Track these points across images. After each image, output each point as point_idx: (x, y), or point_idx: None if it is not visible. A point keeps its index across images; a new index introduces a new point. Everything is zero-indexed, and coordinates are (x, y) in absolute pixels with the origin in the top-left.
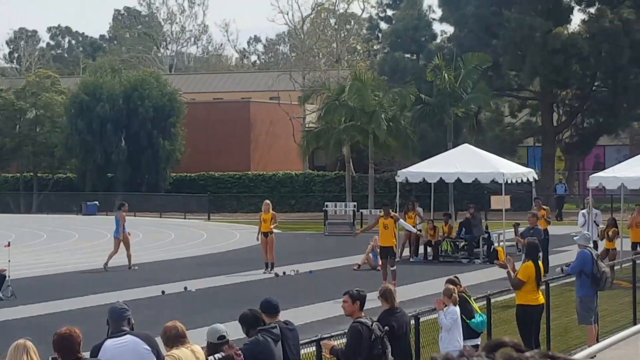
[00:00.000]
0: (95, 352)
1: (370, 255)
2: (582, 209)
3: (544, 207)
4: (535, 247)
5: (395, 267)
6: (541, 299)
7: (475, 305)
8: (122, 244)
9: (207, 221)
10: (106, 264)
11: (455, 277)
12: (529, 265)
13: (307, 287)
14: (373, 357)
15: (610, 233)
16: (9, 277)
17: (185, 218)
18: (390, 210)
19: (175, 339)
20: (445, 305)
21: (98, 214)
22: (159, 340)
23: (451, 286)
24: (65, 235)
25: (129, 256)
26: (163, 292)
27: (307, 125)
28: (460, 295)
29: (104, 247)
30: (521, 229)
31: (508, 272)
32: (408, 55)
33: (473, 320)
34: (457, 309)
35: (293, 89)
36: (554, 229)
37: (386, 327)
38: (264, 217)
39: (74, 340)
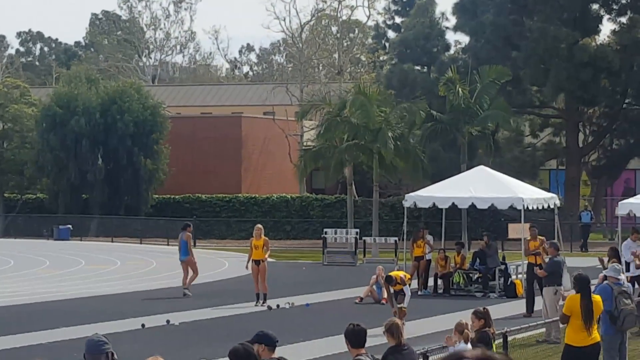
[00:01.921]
0: None
1: (374, 287)
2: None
3: (540, 237)
4: (585, 280)
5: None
6: (588, 340)
7: (495, 345)
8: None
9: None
10: (186, 288)
11: (485, 309)
12: (575, 298)
13: (304, 322)
14: None
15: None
16: None
17: (168, 244)
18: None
19: None
20: (456, 342)
21: (71, 239)
22: None
23: (464, 321)
24: (35, 261)
25: (185, 279)
26: (143, 325)
27: (304, 144)
28: (484, 333)
29: (76, 275)
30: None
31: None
32: (418, 68)
33: None
34: (469, 347)
35: (289, 103)
36: (577, 261)
37: None
38: (255, 243)
39: None
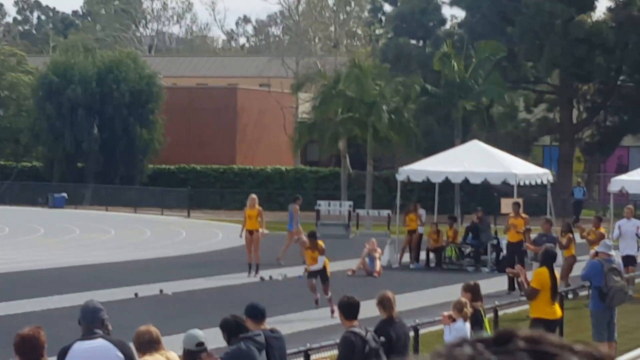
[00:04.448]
0: (62, 355)
1: (367, 260)
2: (621, 219)
3: (523, 215)
4: (552, 254)
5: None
6: (558, 312)
7: (487, 321)
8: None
9: (186, 218)
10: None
11: (476, 283)
12: (543, 272)
13: (296, 293)
14: None
15: None
16: None
17: (162, 214)
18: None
19: (149, 345)
20: (453, 321)
21: (66, 207)
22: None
23: (464, 299)
24: (30, 229)
25: (283, 251)
26: (136, 294)
27: (300, 116)
28: (476, 310)
29: (71, 243)
30: (533, 236)
31: (521, 282)
32: (414, 42)
33: None
34: (467, 325)
35: (285, 76)
36: None
37: (382, 338)
38: (249, 213)
39: (38, 342)
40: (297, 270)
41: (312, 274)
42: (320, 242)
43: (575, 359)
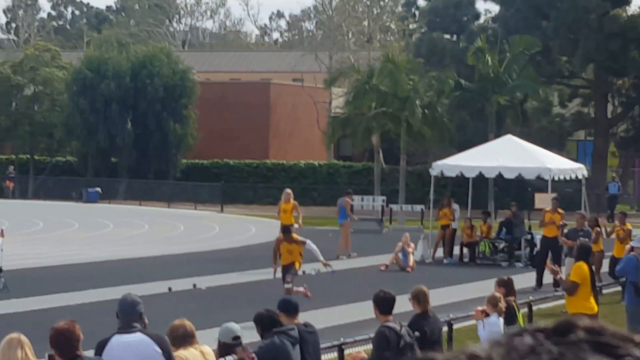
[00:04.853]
0: (100, 348)
1: (400, 255)
2: None
3: (560, 210)
4: (587, 249)
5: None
6: (595, 307)
7: (520, 316)
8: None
9: (219, 213)
10: (347, 254)
11: (509, 278)
12: (582, 266)
13: (329, 288)
14: None
15: None
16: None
17: (195, 209)
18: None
19: (183, 339)
20: (487, 315)
21: (100, 202)
22: None
23: (498, 294)
24: (64, 224)
25: (341, 246)
26: (170, 289)
27: (333, 111)
28: (509, 305)
29: (104, 237)
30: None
31: (559, 278)
32: (447, 36)
33: None
34: (501, 320)
35: (318, 71)
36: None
37: (417, 333)
38: (284, 207)
39: (73, 336)
40: (332, 265)
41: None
42: (295, 235)
43: (637, 351)
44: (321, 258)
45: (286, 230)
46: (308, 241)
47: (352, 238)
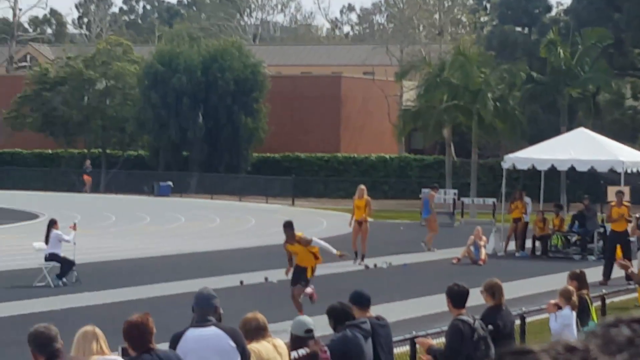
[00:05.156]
0: (175, 341)
1: (472, 248)
2: None
3: (626, 203)
4: None
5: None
6: None
7: (593, 309)
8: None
9: (290, 206)
10: (427, 245)
11: (582, 272)
12: None
13: (401, 282)
14: (475, 359)
15: None
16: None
17: (267, 202)
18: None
19: (256, 332)
20: (559, 308)
21: (171, 195)
22: None
23: (571, 288)
24: (136, 217)
25: (429, 238)
26: (241, 282)
27: (404, 104)
28: (582, 298)
29: (176, 231)
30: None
31: (631, 272)
32: (519, 29)
33: (586, 327)
34: (573, 313)
35: (389, 64)
36: None
37: (490, 326)
38: (357, 203)
39: (146, 329)
40: (404, 258)
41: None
42: (300, 234)
43: None
44: (334, 251)
45: (287, 225)
46: (314, 239)
47: (426, 232)
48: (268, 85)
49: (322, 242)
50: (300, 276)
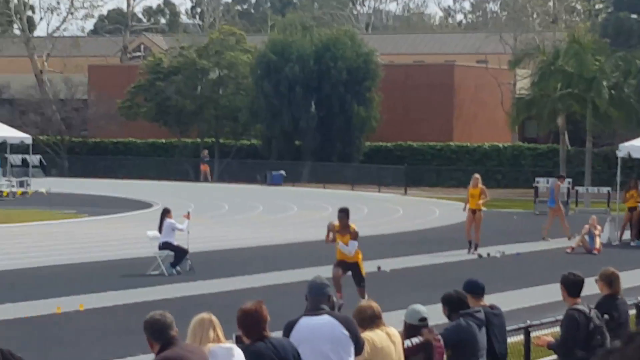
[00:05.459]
0: (288, 328)
1: (586, 237)
2: None
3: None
4: None
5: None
6: None
7: None
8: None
9: (403, 195)
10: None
11: None
12: None
13: (514, 271)
14: (591, 348)
15: None
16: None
17: (379, 191)
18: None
19: (371, 320)
20: None
21: (284, 185)
22: None
23: None
24: (248, 207)
25: (565, 229)
26: None
27: (517, 92)
28: None
29: (289, 220)
30: None
31: None
32: (634, 16)
33: None
34: None
35: (503, 52)
36: None
37: (605, 316)
38: (471, 192)
39: (260, 316)
40: (517, 248)
41: (340, 264)
42: (353, 225)
43: None
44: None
45: (343, 211)
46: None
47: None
48: (380, 74)
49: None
50: (358, 274)
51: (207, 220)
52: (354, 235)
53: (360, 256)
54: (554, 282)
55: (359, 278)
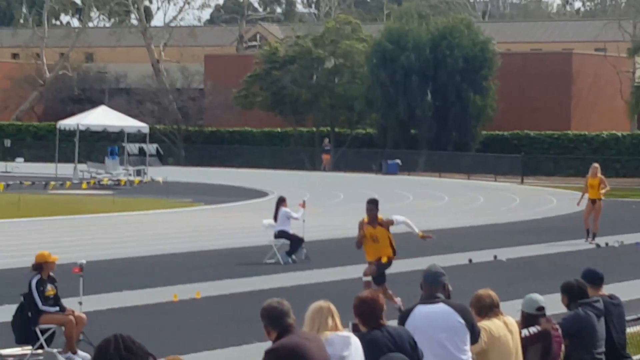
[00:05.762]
0: (404, 317)
1: None
2: None
3: None
4: None
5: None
6: None
7: None
8: None
9: (519, 185)
10: None
11: None
12: None
13: (633, 260)
14: None
15: None
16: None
17: (495, 181)
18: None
19: (489, 309)
20: None
21: (399, 174)
22: None
23: None
24: (363, 195)
25: None
26: (470, 260)
27: (636, 81)
28: None
29: (405, 209)
30: None
31: None
32: None
33: None
34: None
35: (622, 40)
36: None
37: None
38: (590, 182)
39: (377, 305)
40: (637, 237)
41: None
42: (380, 216)
43: None
44: (417, 230)
45: (372, 202)
46: (395, 217)
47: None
48: (497, 63)
49: (403, 218)
50: (381, 271)
51: (323, 209)
52: (387, 225)
53: (390, 252)
54: None
55: (378, 278)
